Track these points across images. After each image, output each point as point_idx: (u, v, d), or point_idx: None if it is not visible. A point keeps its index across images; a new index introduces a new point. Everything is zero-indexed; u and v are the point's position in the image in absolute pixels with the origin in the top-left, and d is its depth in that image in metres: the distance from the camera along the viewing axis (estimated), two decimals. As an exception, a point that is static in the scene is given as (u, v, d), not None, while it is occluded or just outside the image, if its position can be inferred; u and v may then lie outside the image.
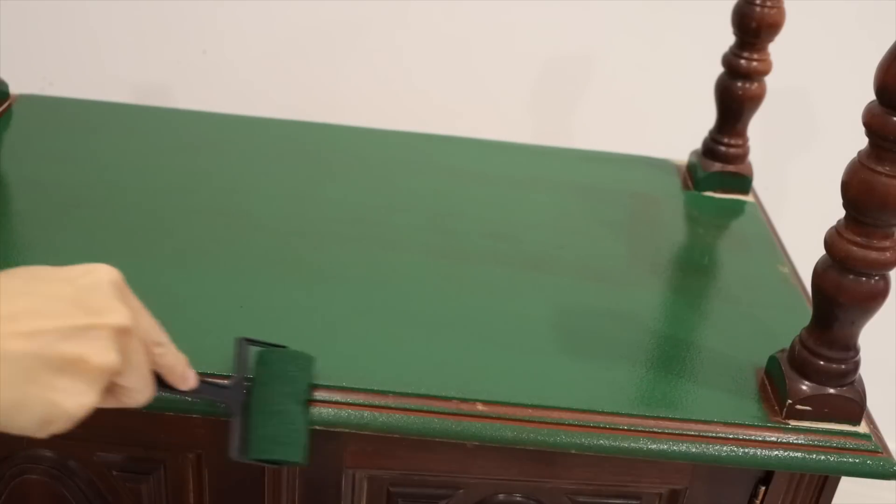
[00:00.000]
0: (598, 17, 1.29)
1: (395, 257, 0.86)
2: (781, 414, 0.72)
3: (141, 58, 1.33)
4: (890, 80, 0.61)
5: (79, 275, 0.54)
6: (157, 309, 0.76)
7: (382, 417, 0.70)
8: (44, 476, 0.77)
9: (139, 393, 0.57)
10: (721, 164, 1.02)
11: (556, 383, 0.73)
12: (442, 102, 1.34)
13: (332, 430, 0.71)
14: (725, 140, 1.01)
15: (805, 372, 0.71)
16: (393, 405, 0.70)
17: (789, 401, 0.71)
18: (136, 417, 0.72)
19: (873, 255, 0.66)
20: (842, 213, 0.67)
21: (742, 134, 1.01)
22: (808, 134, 1.35)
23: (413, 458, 0.74)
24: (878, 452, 0.71)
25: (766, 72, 0.97)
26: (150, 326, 0.58)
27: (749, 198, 1.03)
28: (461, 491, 0.76)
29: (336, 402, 0.70)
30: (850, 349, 0.71)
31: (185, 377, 0.63)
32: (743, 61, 0.96)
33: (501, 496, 0.77)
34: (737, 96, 0.98)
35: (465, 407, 0.71)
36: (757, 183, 1.04)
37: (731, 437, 0.71)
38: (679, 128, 1.18)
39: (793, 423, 0.72)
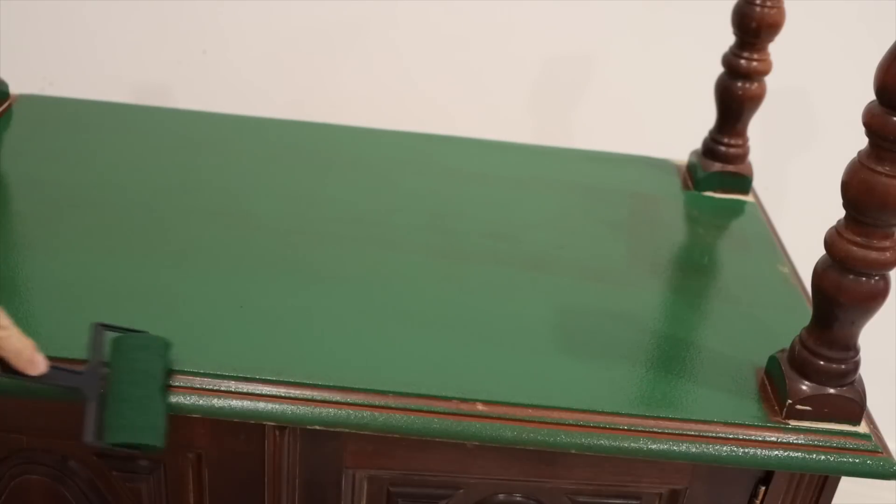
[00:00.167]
0: (598, 17, 1.29)
1: (395, 257, 0.86)
2: (781, 414, 0.72)
3: (141, 58, 1.33)
4: (890, 80, 0.61)
5: None
6: (157, 308, 0.77)
7: (382, 417, 0.70)
8: (44, 476, 0.77)
9: None
10: (721, 164, 1.02)
11: (556, 383, 0.73)
12: (442, 102, 1.34)
13: (332, 430, 0.71)
14: (725, 140, 1.01)
15: (805, 372, 0.71)
16: (393, 405, 0.70)
17: (789, 401, 0.71)
18: (136, 417, 0.72)
19: (873, 255, 0.66)
20: (842, 213, 0.67)
21: (742, 134, 1.01)
22: (808, 134, 1.35)
23: (413, 458, 0.74)
24: (878, 452, 0.71)
25: (766, 72, 0.97)
26: None
27: (749, 198, 1.03)
28: (461, 491, 0.76)
29: (336, 402, 0.70)
30: (850, 349, 0.71)
31: (33, 362, 0.62)
32: (743, 61, 0.96)
33: (501, 496, 0.77)
34: (737, 96, 0.98)
35: (465, 407, 0.71)
36: (757, 183, 1.04)
37: (731, 437, 0.71)
38: (679, 128, 1.18)
39: (793, 423, 0.72)
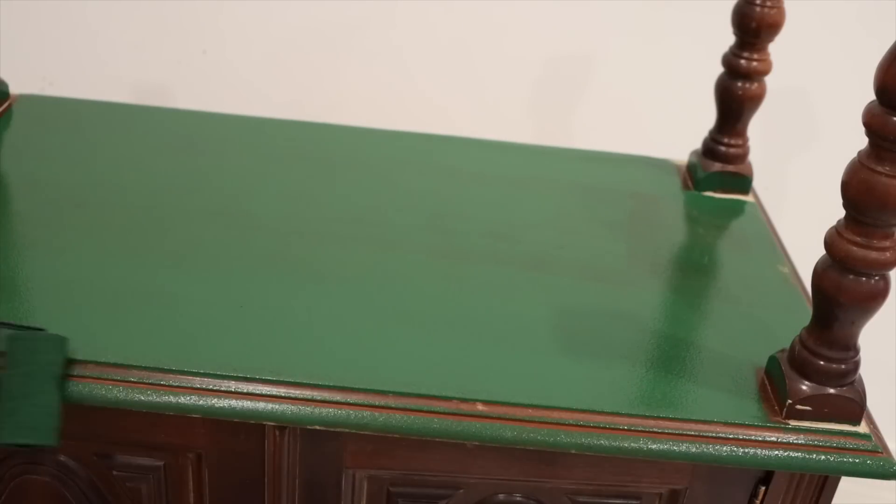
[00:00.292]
0: (598, 17, 1.29)
1: (395, 257, 0.86)
2: (781, 414, 0.72)
3: (141, 58, 1.33)
4: (890, 80, 0.61)
5: None
6: (157, 308, 0.77)
7: (382, 417, 0.70)
8: (44, 476, 0.77)
9: None
10: (721, 164, 1.02)
11: (556, 383, 0.73)
12: (442, 103, 1.34)
13: (332, 430, 0.71)
14: (725, 140, 1.01)
15: (805, 372, 0.71)
16: (393, 405, 0.70)
17: (789, 401, 0.71)
18: (136, 417, 0.72)
19: (873, 255, 0.66)
20: (842, 213, 0.67)
21: (742, 134, 1.01)
22: (808, 134, 1.35)
23: (413, 458, 0.74)
24: (878, 452, 0.71)
25: (766, 72, 0.97)
26: None
27: (749, 198, 1.03)
28: (461, 491, 0.76)
29: (336, 402, 0.70)
30: (850, 349, 0.71)
31: None
32: (743, 61, 0.96)
33: (501, 496, 0.77)
34: (737, 96, 0.98)
35: (465, 407, 0.71)
36: (757, 183, 1.04)
37: (731, 437, 0.71)
38: (679, 128, 1.18)
39: (793, 423, 0.72)
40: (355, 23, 1.30)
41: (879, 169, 0.63)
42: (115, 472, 0.76)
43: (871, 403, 0.74)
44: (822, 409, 0.71)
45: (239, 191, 0.94)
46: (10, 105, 1.05)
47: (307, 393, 0.70)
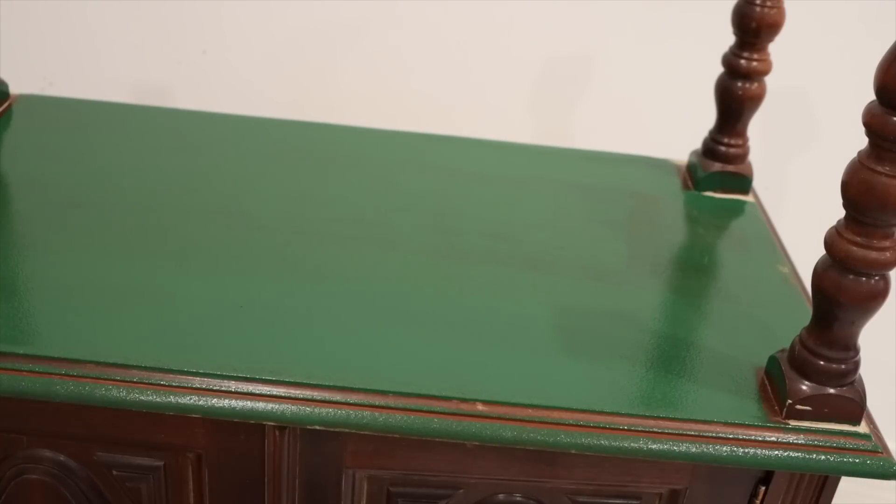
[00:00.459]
0: (598, 17, 1.29)
1: (395, 257, 0.86)
2: (781, 414, 0.72)
3: (141, 58, 1.33)
4: (890, 80, 0.61)
5: None
6: (156, 308, 0.77)
7: (382, 417, 0.70)
8: (44, 476, 0.77)
9: None
10: (721, 164, 1.02)
11: (556, 383, 0.73)
12: (442, 102, 1.34)
13: (332, 430, 0.71)
14: (725, 140, 1.01)
15: (805, 372, 0.71)
16: (393, 405, 0.70)
17: (789, 401, 0.71)
18: (136, 417, 0.72)
19: (873, 255, 0.66)
20: (842, 213, 0.67)
21: (742, 134, 1.01)
22: (808, 134, 1.35)
23: (413, 458, 0.74)
24: (878, 452, 0.71)
25: (766, 72, 0.97)
26: None
27: (749, 198, 1.03)
28: (461, 491, 0.76)
29: (336, 402, 0.70)
30: (850, 349, 0.71)
31: None
32: (743, 61, 0.96)
33: (501, 496, 0.77)
34: (737, 96, 0.98)
35: (465, 407, 0.71)
36: (757, 183, 1.04)
37: (731, 437, 0.71)
38: (679, 128, 1.18)
39: (793, 423, 0.72)
40: (355, 23, 1.30)
41: (879, 169, 0.63)
42: (115, 472, 0.76)
43: (871, 403, 0.74)
44: (822, 409, 0.71)
45: (239, 191, 0.94)
46: (10, 105, 1.05)
47: (307, 393, 0.70)
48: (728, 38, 0.97)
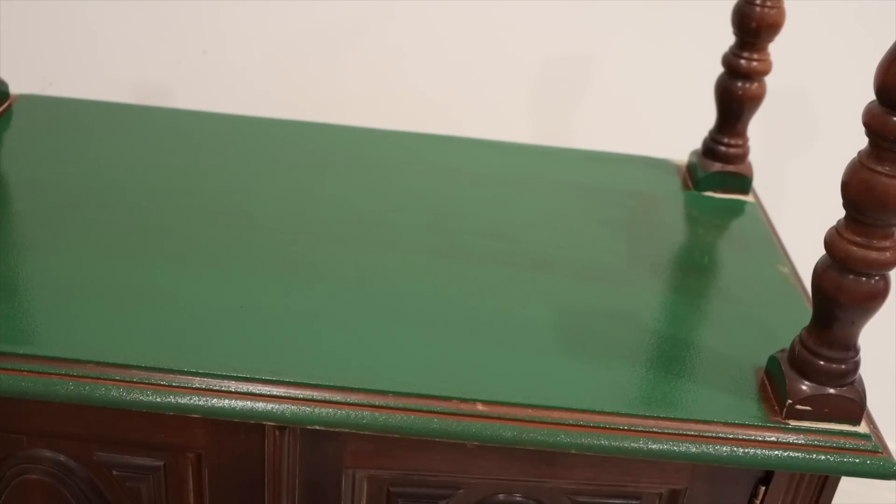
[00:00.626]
0: (598, 17, 1.29)
1: (395, 257, 0.86)
2: (781, 414, 0.72)
3: (141, 58, 1.33)
4: (890, 80, 0.61)
5: None
6: (156, 308, 0.77)
7: (382, 417, 0.70)
8: (44, 476, 0.77)
9: None
10: (721, 164, 1.02)
11: (556, 383, 0.73)
12: (442, 102, 1.34)
13: (332, 430, 0.71)
14: (725, 140, 1.01)
15: (805, 372, 0.71)
16: (393, 405, 0.70)
17: (789, 401, 0.71)
18: (136, 417, 0.72)
19: (873, 255, 0.66)
20: (842, 213, 0.67)
21: (742, 134, 1.01)
22: (808, 134, 1.35)
23: (413, 458, 0.74)
24: (878, 452, 0.71)
25: (766, 72, 0.97)
26: None
27: (749, 198, 1.03)
28: (461, 491, 0.76)
29: (336, 402, 0.70)
30: (850, 349, 0.71)
31: None
32: (743, 61, 0.96)
33: (501, 496, 0.77)
34: (737, 96, 0.98)
35: (465, 407, 0.71)
36: (757, 183, 1.04)
37: (731, 437, 0.71)
38: (679, 128, 1.18)
39: (793, 423, 0.72)
40: (355, 23, 1.30)
41: (879, 169, 0.63)
42: (115, 472, 0.76)
43: (871, 403, 0.74)
44: (822, 409, 0.71)
45: (239, 191, 0.94)
46: (10, 105, 1.05)
47: (307, 393, 0.70)
48: (728, 38, 0.97)
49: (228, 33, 1.31)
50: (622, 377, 0.75)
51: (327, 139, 1.06)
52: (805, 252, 0.88)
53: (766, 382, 0.75)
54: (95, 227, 0.86)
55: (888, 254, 0.66)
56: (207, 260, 0.83)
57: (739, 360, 0.78)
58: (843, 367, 0.71)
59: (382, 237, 0.89)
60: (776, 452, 0.71)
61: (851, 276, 0.67)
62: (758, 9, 0.93)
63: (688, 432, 0.71)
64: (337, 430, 0.71)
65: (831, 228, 0.68)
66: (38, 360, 0.70)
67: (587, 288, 0.85)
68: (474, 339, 0.77)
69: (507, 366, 0.75)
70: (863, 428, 0.72)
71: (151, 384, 0.70)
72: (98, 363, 0.71)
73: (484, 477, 0.75)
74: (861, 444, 0.71)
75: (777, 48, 0.97)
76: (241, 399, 0.70)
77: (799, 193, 1.36)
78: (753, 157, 1.03)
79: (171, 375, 0.70)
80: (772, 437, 0.71)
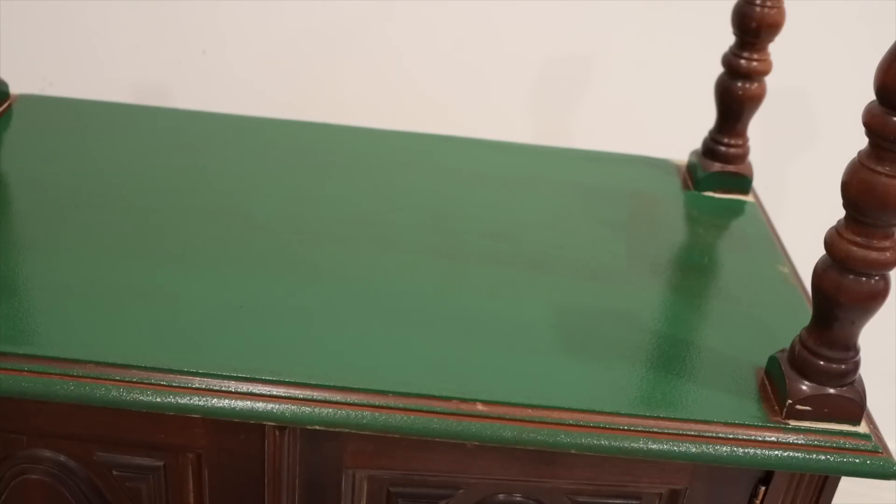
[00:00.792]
0: (598, 17, 1.29)
1: (395, 257, 0.86)
2: (781, 414, 0.72)
3: (141, 58, 1.33)
4: (890, 80, 0.61)
5: None
6: (157, 308, 0.77)
7: (382, 417, 0.70)
8: (44, 476, 0.77)
9: None
10: (721, 164, 1.02)
11: (556, 383, 0.73)
12: (442, 103, 1.34)
13: (332, 430, 0.71)
14: (725, 140, 1.01)
15: (805, 372, 0.71)
16: (393, 405, 0.70)
17: (789, 401, 0.71)
18: (136, 417, 0.72)
19: (873, 255, 0.66)
20: (842, 213, 0.67)
21: (742, 134, 1.01)
22: (808, 134, 1.35)
23: (413, 458, 0.74)
24: (878, 452, 0.71)
25: (766, 72, 0.97)
26: None
27: (749, 198, 1.03)
28: (461, 491, 0.76)
29: (336, 402, 0.70)
30: (850, 349, 0.71)
31: None
32: (743, 61, 0.96)
33: (501, 496, 0.77)
34: (737, 96, 0.98)
35: (465, 407, 0.71)
36: (757, 183, 1.04)
37: (731, 437, 0.71)
38: (679, 128, 1.18)
39: (793, 423, 0.72)
40: (355, 23, 1.30)
41: (879, 169, 0.63)
42: (115, 472, 0.76)
43: (871, 403, 0.74)
44: (822, 409, 0.71)
45: (239, 191, 0.94)
46: (10, 105, 1.05)
47: (307, 393, 0.70)
48: (728, 38, 0.97)
49: (228, 33, 1.31)
50: (622, 377, 0.75)
51: (327, 139, 1.06)
52: (805, 252, 0.88)
53: (766, 382, 0.75)
54: (95, 227, 0.86)
55: (888, 254, 0.66)
56: (207, 260, 0.83)
57: (739, 360, 0.78)
58: (843, 367, 0.71)
59: (382, 237, 0.89)
60: (776, 452, 0.71)
61: (851, 276, 0.67)
62: (758, 9, 0.93)
63: (688, 432, 0.71)
64: (337, 430, 0.71)
65: (831, 228, 0.68)
66: (38, 360, 0.70)
67: (587, 288, 0.85)
68: (474, 339, 0.77)
69: (507, 366, 0.75)
70: (863, 428, 0.72)
71: (151, 384, 0.70)
72: (98, 363, 0.71)
73: (484, 477, 0.75)
74: (861, 444, 0.71)
75: (777, 48, 0.97)
76: (241, 399, 0.70)
77: (799, 193, 1.36)
78: (753, 157, 1.03)
79: (171, 375, 0.70)
80: (772, 437, 0.71)
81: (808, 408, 0.71)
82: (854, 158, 0.65)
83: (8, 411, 0.73)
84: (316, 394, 0.70)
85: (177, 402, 0.70)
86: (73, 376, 0.70)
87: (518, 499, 0.77)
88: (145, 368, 0.71)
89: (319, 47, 1.32)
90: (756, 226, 0.98)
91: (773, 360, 0.75)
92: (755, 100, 0.98)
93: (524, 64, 1.33)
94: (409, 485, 0.76)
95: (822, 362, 0.70)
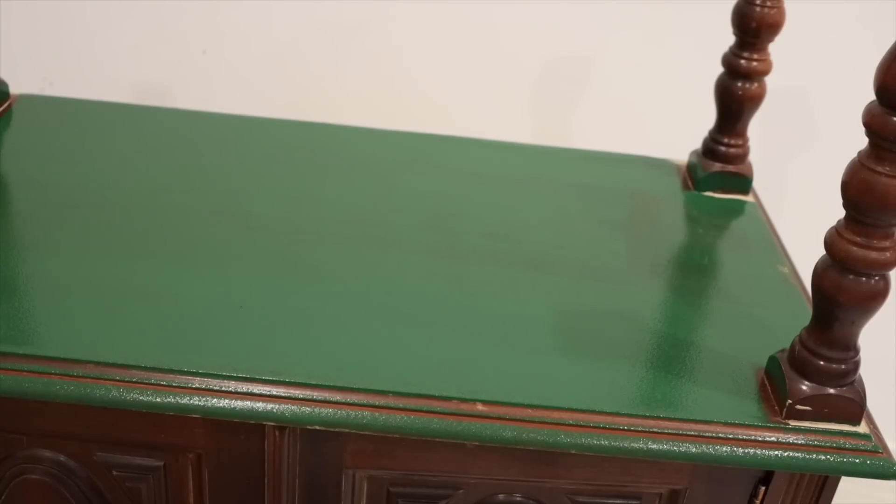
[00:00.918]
0: (598, 17, 1.29)
1: (395, 257, 0.86)
2: (781, 414, 0.72)
3: (141, 58, 1.33)
4: (890, 80, 0.61)
5: None
6: (156, 308, 0.77)
7: (382, 417, 0.70)
8: (44, 476, 0.77)
9: None
10: (721, 164, 1.02)
11: (556, 383, 0.73)
12: (442, 102, 1.34)
13: (332, 430, 0.71)
14: (725, 140, 1.01)
15: (805, 372, 0.71)
16: (393, 405, 0.70)
17: (789, 401, 0.71)
18: (136, 417, 0.72)
19: (873, 255, 0.66)
20: (842, 213, 0.67)
21: (742, 134, 1.01)
22: (808, 134, 1.35)
23: (413, 458, 0.74)
24: (878, 452, 0.71)
25: (766, 72, 0.97)
26: None
27: (749, 198, 1.03)
28: (461, 491, 0.76)
29: (336, 402, 0.70)
30: (850, 349, 0.71)
31: None
32: (743, 61, 0.96)
33: (501, 496, 0.77)
34: (737, 96, 0.98)
35: (465, 407, 0.71)
36: (757, 183, 1.04)
37: (731, 437, 0.71)
38: (679, 128, 1.18)
39: (793, 423, 0.72)
40: (355, 23, 1.30)
41: (879, 169, 0.63)
42: (115, 472, 0.76)
43: (871, 403, 0.74)
44: (822, 409, 0.71)
45: (239, 191, 0.94)
46: (10, 105, 1.05)
47: (307, 393, 0.70)
48: (728, 38, 0.97)
49: (228, 33, 1.31)
50: (622, 377, 0.75)
51: (327, 139, 1.06)
52: (805, 252, 0.88)
53: (766, 382, 0.75)
54: (95, 227, 0.86)
55: (888, 254, 0.66)
56: (207, 260, 0.83)
57: (739, 360, 0.78)
58: (843, 367, 0.71)
59: (382, 237, 0.89)
60: (776, 452, 0.71)
61: (851, 276, 0.67)
62: (758, 9, 0.93)
63: (688, 432, 0.71)
64: (337, 430, 0.71)
65: (831, 228, 0.68)
66: (38, 360, 0.70)
67: (587, 288, 0.85)
68: (474, 339, 0.77)
69: (507, 366, 0.75)
70: (863, 428, 0.72)
71: (151, 384, 0.70)
72: (98, 363, 0.71)
73: (484, 477, 0.75)
74: (861, 444, 0.71)
75: (777, 48, 0.97)
76: (241, 399, 0.70)
77: (799, 193, 1.36)
78: (753, 157, 1.03)
79: (171, 375, 0.70)
80: (772, 437, 0.71)
81: (808, 408, 0.71)
82: (854, 158, 0.65)
83: (8, 411, 0.73)
84: (316, 394, 0.70)
85: (177, 402, 0.70)
86: (73, 376, 0.70)
87: (518, 499, 0.77)
88: (145, 368, 0.71)
89: (319, 47, 1.32)
90: (756, 226, 0.98)
91: (773, 360, 0.75)
92: (755, 100, 0.98)
93: (524, 64, 1.33)
94: (409, 485, 0.76)
95: (822, 362, 0.70)
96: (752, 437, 0.71)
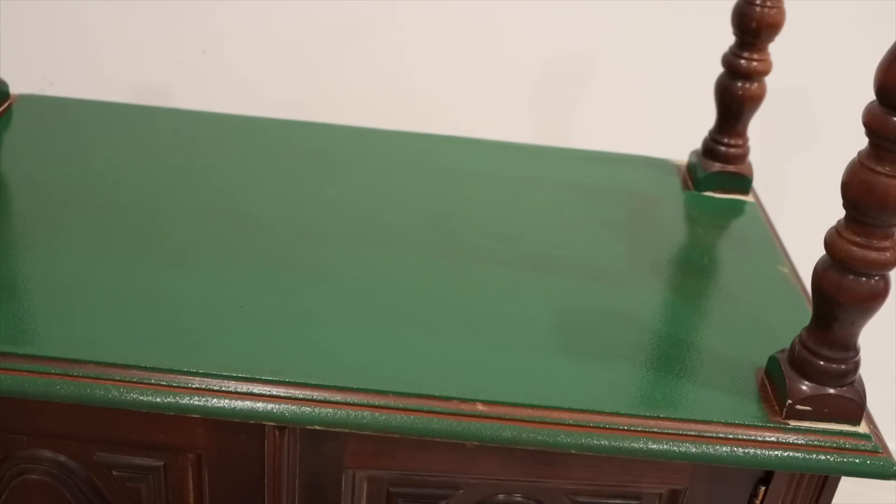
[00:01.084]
0: (598, 17, 1.29)
1: (395, 257, 0.86)
2: (781, 414, 0.72)
3: (141, 58, 1.33)
4: (890, 80, 0.61)
5: None
6: (157, 308, 0.77)
7: (382, 417, 0.70)
8: (44, 476, 0.77)
9: None
10: (721, 164, 1.02)
11: (556, 383, 0.73)
12: (442, 102, 1.34)
13: (332, 430, 0.71)
14: (725, 140, 1.01)
15: (805, 372, 0.71)
16: (393, 405, 0.70)
17: (789, 401, 0.71)
18: (136, 417, 0.72)
19: (873, 255, 0.66)
20: (842, 213, 0.67)
21: (742, 134, 1.01)
22: (808, 134, 1.35)
23: (413, 458, 0.74)
24: (878, 452, 0.71)
25: (766, 72, 0.97)
26: None
27: (749, 198, 1.03)
28: (461, 491, 0.76)
29: (336, 402, 0.70)
30: (850, 349, 0.71)
31: None
32: (743, 61, 0.96)
33: (501, 496, 0.77)
34: (737, 96, 0.98)
35: (465, 407, 0.71)
36: (757, 183, 1.04)
37: (731, 437, 0.71)
38: (679, 128, 1.18)
39: (793, 423, 0.72)
40: (355, 23, 1.30)
41: (879, 169, 0.63)
42: (115, 472, 0.76)
43: (871, 403, 0.74)
44: (822, 410, 0.71)
45: (239, 191, 0.94)
46: (10, 105, 1.05)
47: (307, 393, 0.71)
48: (728, 38, 0.97)
49: (228, 33, 1.31)
50: (622, 377, 0.75)
51: (327, 139, 1.06)
52: (805, 252, 0.88)
53: (766, 382, 0.75)
54: (95, 227, 0.86)
55: (888, 254, 0.66)
56: (208, 260, 0.83)
57: (739, 360, 0.78)
58: (843, 367, 0.71)
59: (382, 237, 0.89)
60: (776, 452, 0.71)
61: (851, 276, 0.67)
62: (758, 9, 0.93)
63: (688, 432, 0.71)
64: (337, 430, 0.71)
65: (831, 228, 0.68)
66: (38, 360, 0.70)
67: (587, 288, 0.85)
68: (474, 339, 0.77)
69: (507, 366, 0.75)
70: (863, 428, 0.72)
71: (151, 384, 0.70)
72: (98, 363, 0.71)
73: (484, 477, 0.75)
74: (861, 444, 0.71)
75: (777, 48, 0.97)
76: (241, 399, 0.70)
77: (799, 193, 1.36)
78: (753, 157, 1.03)
79: (171, 375, 0.70)
80: (772, 437, 0.71)
81: (808, 408, 0.71)
82: (854, 158, 0.65)
83: (8, 411, 0.73)
84: (316, 394, 0.70)
85: (177, 402, 0.70)
86: (73, 376, 0.70)
87: (518, 499, 0.77)
88: (145, 368, 0.71)
89: (320, 47, 1.32)
90: (756, 226, 0.98)
91: (773, 360, 0.75)
92: (755, 100, 0.98)
93: (524, 64, 1.33)
94: (409, 485, 0.76)
95: (822, 362, 0.70)
96: (752, 437, 0.71)
